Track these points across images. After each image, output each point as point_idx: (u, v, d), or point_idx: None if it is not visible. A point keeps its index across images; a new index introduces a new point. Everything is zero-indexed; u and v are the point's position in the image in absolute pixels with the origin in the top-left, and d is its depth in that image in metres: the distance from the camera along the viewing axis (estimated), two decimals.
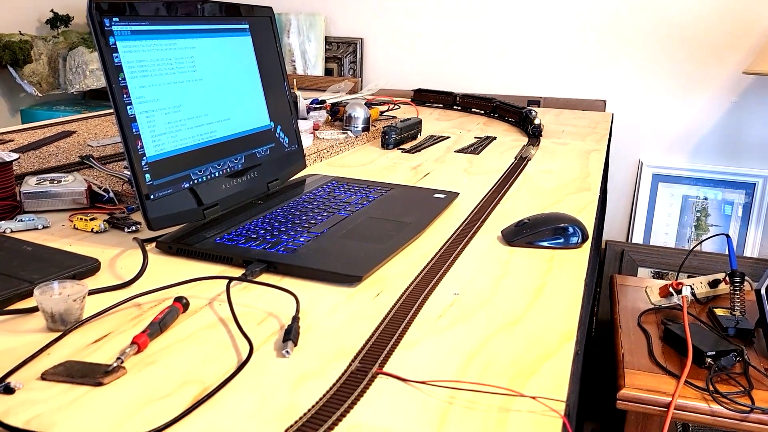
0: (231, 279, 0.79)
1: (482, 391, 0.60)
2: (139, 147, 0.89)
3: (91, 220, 0.97)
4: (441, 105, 2.22)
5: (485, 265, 0.89)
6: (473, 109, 2.15)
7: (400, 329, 0.71)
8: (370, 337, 0.69)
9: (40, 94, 2.52)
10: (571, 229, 0.96)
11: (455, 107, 2.19)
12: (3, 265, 0.78)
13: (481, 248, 0.95)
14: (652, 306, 1.60)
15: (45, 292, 0.68)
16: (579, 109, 2.35)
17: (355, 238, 0.94)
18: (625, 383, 1.36)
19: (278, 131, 1.18)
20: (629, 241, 2.49)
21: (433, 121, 1.98)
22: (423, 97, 2.26)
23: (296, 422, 0.55)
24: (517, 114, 1.89)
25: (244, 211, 1.02)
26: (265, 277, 0.82)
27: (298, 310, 0.72)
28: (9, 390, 0.57)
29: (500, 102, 2.04)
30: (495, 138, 1.75)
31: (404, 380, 0.61)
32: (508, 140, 1.73)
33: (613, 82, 2.44)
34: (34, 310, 0.70)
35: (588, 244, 0.97)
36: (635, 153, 2.46)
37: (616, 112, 2.44)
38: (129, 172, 1.19)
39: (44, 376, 0.59)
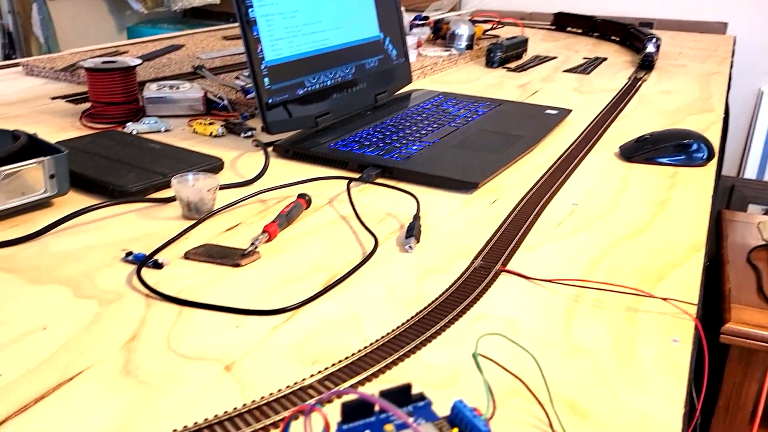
0: (351, 179, 0.80)
1: (610, 290, 0.59)
2: (258, 51, 0.90)
3: (210, 124, 1.01)
4: (581, 30, 2.07)
5: (603, 178, 0.87)
6: (595, 34, 1.99)
7: (520, 233, 0.71)
8: (490, 239, 0.69)
9: (145, 11, 2.59)
10: (695, 146, 0.92)
11: (593, 34, 2.04)
12: (137, 160, 0.82)
13: (597, 163, 0.93)
14: (764, 242, 1.52)
15: (181, 183, 0.72)
16: (696, 32, 2.20)
17: (467, 148, 0.93)
18: (730, 317, 1.31)
19: (387, 43, 1.17)
20: (740, 176, 2.36)
21: (538, 41, 1.91)
22: (563, 21, 2.13)
23: (424, 309, 0.56)
24: (635, 37, 1.78)
25: (354, 121, 1.03)
26: (380, 182, 0.83)
27: (418, 209, 0.73)
28: (158, 265, 0.61)
29: (632, 28, 1.89)
30: (605, 59, 1.67)
31: (528, 278, 0.62)
32: (620, 61, 1.65)
33: (735, 3, 2.26)
34: (171, 200, 0.74)
35: (713, 162, 0.93)
36: (756, 82, 2.29)
37: (738, 36, 2.26)
38: (239, 82, 1.23)
39: (187, 256, 0.63)
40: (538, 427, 0.43)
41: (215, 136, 0.99)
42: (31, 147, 0.73)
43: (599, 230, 0.72)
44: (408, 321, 0.54)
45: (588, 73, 1.49)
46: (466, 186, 0.82)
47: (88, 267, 0.60)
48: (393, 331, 0.53)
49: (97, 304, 0.55)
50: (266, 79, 0.91)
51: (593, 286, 0.60)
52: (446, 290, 0.59)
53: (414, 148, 0.92)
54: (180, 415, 0.43)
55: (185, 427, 0.42)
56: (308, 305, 0.56)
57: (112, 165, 0.80)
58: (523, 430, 0.43)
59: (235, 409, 0.43)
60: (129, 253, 0.62)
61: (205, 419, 0.42)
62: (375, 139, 0.95)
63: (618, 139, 1.02)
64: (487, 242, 0.69)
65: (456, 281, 0.61)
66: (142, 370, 0.47)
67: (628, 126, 1.10)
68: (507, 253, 0.66)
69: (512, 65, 1.55)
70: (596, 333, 0.54)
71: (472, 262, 0.64)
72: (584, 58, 1.67)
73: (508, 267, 0.64)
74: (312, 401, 0.30)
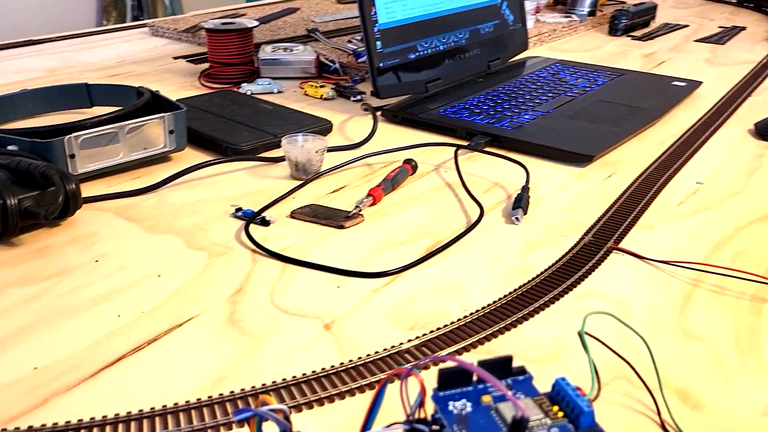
0: (459, 146, 0.79)
1: (734, 277, 0.55)
2: (372, 13, 0.89)
3: (321, 87, 1.01)
4: None
5: (733, 157, 0.80)
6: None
7: (636, 211, 0.67)
8: (603, 215, 0.66)
9: None
10: None
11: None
12: (250, 120, 0.85)
13: (728, 140, 0.86)
14: None
15: (291, 143, 0.73)
16: None
17: (584, 119, 0.88)
18: None
19: (504, 8, 1.13)
20: None
21: (667, 8, 1.79)
22: None
23: (529, 282, 0.54)
24: None
25: (465, 88, 1.01)
26: (489, 150, 0.81)
27: (528, 180, 0.71)
28: (265, 222, 0.62)
29: None
30: (744, 28, 1.53)
31: (642, 258, 0.58)
32: (761, 31, 1.51)
33: None
34: (280, 159, 0.75)
35: None
36: None
37: None
38: (352, 46, 1.23)
39: (293, 215, 0.64)
40: (644, 414, 0.40)
41: (325, 99, 1.00)
42: (153, 103, 0.76)
43: (725, 212, 0.67)
44: (511, 293, 0.53)
45: (723, 43, 1.38)
46: (581, 158, 0.78)
47: (201, 220, 0.63)
48: (495, 302, 0.51)
49: (207, 255, 0.57)
50: (378, 43, 0.91)
51: (715, 271, 0.56)
52: (552, 264, 0.57)
53: (526, 117, 0.89)
54: (280, 368, 0.44)
55: (284, 379, 0.42)
56: (409, 270, 0.56)
57: (227, 124, 0.83)
58: (627, 416, 0.40)
59: (332, 366, 0.43)
60: (238, 209, 0.64)
61: (303, 374, 0.43)
62: (486, 107, 0.92)
63: (753, 115, 0.94)
64: (600, 218, 0.65)
65: (563, 256, 0.58)
66: (246, 321, 0.48)
67: (766, 102, 1.01)
68: (621, 230, 0.63)
69: (638, 33, 1.45)
70: (716, 320, 0.50)
71: (582, 238, 0.61)
72: (720, 27, 1.54)
73: (621, 245, 0.60)
74: (409, 366, 0.30)
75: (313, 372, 0.43)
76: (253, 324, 0.48)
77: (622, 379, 0.43)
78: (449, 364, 0.30)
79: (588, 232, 0.62)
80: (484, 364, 0.31)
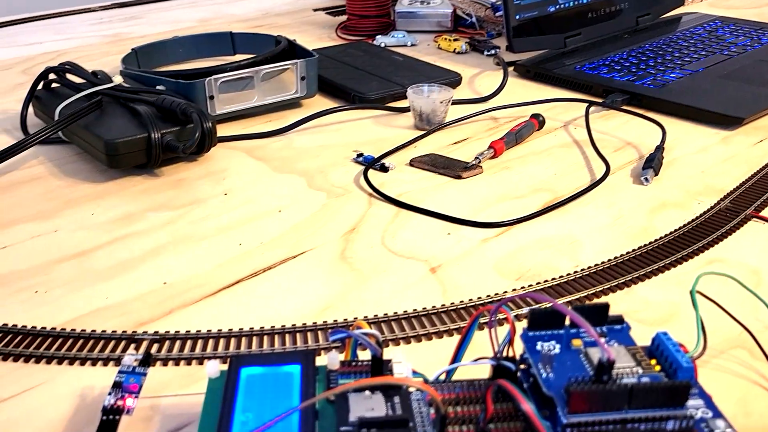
0: (591, 103, 0.75)
1: None
2: None
3: (455, 41, 1.00)
4: None
5: None
6: None
7: None
8: (746, 180, 0.60)
9: None
10: None
11: None
12: (380, 70, 0.85)
13: None
14: None
15: (416, 93, 0.73)
16: None
17: (738, 79, 0.81)
18: None
19: None
20: None
21: None
22: None
23: (651, 243, 0.51)
24: None
25: (607, 44, 0.95)
26: (625, 109, 0.76)
27: (663, 140, 0.66)
28: (384, 168, 0.63)
29: None
30: None
31: None
32: None
33: None
34: (405, 110, 0.76)
35: None
36: None
37: None
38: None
39: (412, 163, 0.65)
40: (761, 386, 0.37)
41: (458, 53, 0.99)
42: (289, 52, 0.79)
43: None
44: (630, 252, 0.50)
45: None
46: (729, 121, 0.72)
47: (323, 163, 0.65)
48: (610, 260, 0.49)
49: (326, 196, 0.59)
50: None
51: None
52: (681, 227, 0.53)
53: (672, 75, 0.82)
54: (383, 303, 0.45)
55: (385, 314, 0.43)
56: (524, 223, 0.54)
57: (357, 73, 0.84)
58: (742, 386, 0.38)
59: (433, 307, 0.44)
60: (359, 155, 0.65)
61: (404, 311, 0.44)
62: (627, 64, 0.87)
63: None
64: (742, 184, 0.60)
65: (694, 219, 0.54)
66: (356, 258, 0.50)
67: None
68: (763, 198, 0.57)
69: None
70: None
71: (718, 203, 0.57)
72: None
73: (762, 213, 0.55)
74: (499, 301, 0.29)
75: (414, 310, 0.44)
76: (362, 261, 0.50)
77: (742, 349, 0.40)
78: (544, 306, 0.29)
79: (726, 197, 0.58)
80: (579, 309, 0.30)
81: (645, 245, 0.51)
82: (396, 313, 0.43)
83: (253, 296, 0.46)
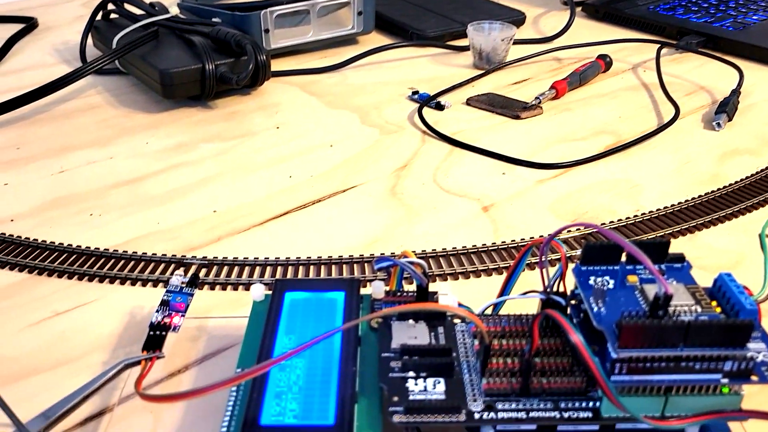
0: (663, 44, 0.71)
1: None
2: None
3: None
4: None
5: None
6: None
7: None
8: None
9: None
10: None
11: None
12: (440, 8, 0.83)
13: None
14: None
15: (477, 30, 0.70)
16: None
17: None
18: None
19: None
20: None
21: None
22: None
23: (719, 189, 0.48)
24: None
25: None
26: (701, 50, 0.72)
27: (740, 85, 0.62)
28: (440, 107, 0.62)
29: None
30: None
31: None
32: None
33: None
34: (465, 48, 0.73)
35: None
36: None
37: None
38: None
39: (469, 102, 0.63)
40: None
41: None
42: None
43: None
44: (695, 198, 0.47)
45: None
46: None
47: (377, 100, 0.63)
48: (673, 205, 0.47)
49: (378, 132, 0.58)
50: None
51: None
52: (753, 174, 0.50)
53: (755, 17, 0.77)
54: (432, 239, 0.44)
55: (433, 249, 0.43)
56: (583, 165, 0.52)
57: (416, 10, 0.82)
58: None
59: (483, 245, 0.43)
60: (415, 92, 0.64)
61: (453, 247, 0.42)
62: (706, 5, 0.81)
63: None
64: None
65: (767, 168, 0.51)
66: (407, 194, 0.49)
67: None
68: None
69: None
70: None
71: None
72: None
73: None
74: (550, 234, 0.28)
75: (463, 247, 0.42)
76: (412, 197, 0.48)
77: None
78: (599, 242, 0.28)
79: None
80: (637, 243, 0.28)
81: (712, 191, 0.48)
82: (444, 249, 0.42)
83: (301, 227, 0.45)
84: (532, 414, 0.26)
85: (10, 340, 0.36)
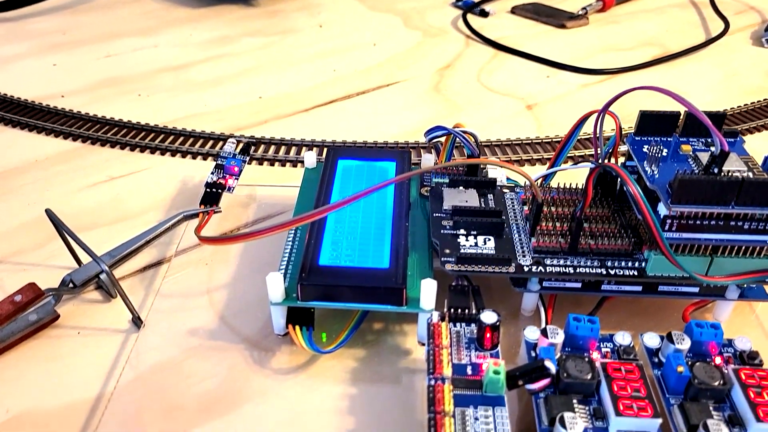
0: None
1: None
2: None
3: None
4: None
5: None
6: None
7: None
8: None
9: None
10: None
11: None
12: None
13: None
14: None
15: None
16: None
17: None
18: None
19: None
20: None
21: None
22: None
23: (765, 99, 0.48)
24: None
25: None
26: None
27: None
28: (484, 14, 0.61)
29: None
30: None
31: None
32: None
33: None
34: None
35: None
36: None
37: None
38: None
39: (514, 10, 0.62)
40: None
41: None
42: None
43: None
44: (741, 107, 0.47)
45: None
46: None
47: (420, 4, 0.63)
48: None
49: (421, 35, 0.58)
50: None
51: None
52: None
53: None
54: (478, 131, 0.44)
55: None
56: (629, 73, 0.52)
57: None
58: None
59: (527, 137, 0.43)
60: None
61: (497, 138, 0.43)
62: None
63: None
64: None
65: None
66: (451, 91, 0.49)
67: None
68: None
69: None
70: None
71: None
72: None
73: None
74: (607, 102, 0.28)
75: (507, 139, 0.43)
76: (456, 94, 0.49)
77: None
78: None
79: None
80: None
81: (758, 101, 0.48)
82: (489, 140, 0.43)
83: (346, 115, 0.46)
84: (579, 270, 0.27)
85: (69, 199, 0.37)
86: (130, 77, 0.50)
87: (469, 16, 0.60)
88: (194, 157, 0.41)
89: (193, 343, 0.28)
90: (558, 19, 0.60)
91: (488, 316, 0.24)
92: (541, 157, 0.41)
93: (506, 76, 0.51)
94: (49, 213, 0.30)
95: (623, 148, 0.30)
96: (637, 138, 0.29)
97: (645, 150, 0.28)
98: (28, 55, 0.53)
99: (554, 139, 0.43)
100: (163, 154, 0.41)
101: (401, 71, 0.52)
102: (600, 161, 0.30)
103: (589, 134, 0.43)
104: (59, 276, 0.30)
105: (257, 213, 0.36)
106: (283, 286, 0.26)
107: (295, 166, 0.40)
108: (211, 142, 0.42)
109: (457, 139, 0.32)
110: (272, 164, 0.40)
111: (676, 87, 0.50)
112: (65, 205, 0.36)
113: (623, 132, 0.29)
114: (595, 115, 0.29)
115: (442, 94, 0.49)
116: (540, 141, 0.43)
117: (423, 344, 0.27)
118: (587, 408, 0.22)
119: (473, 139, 0.32)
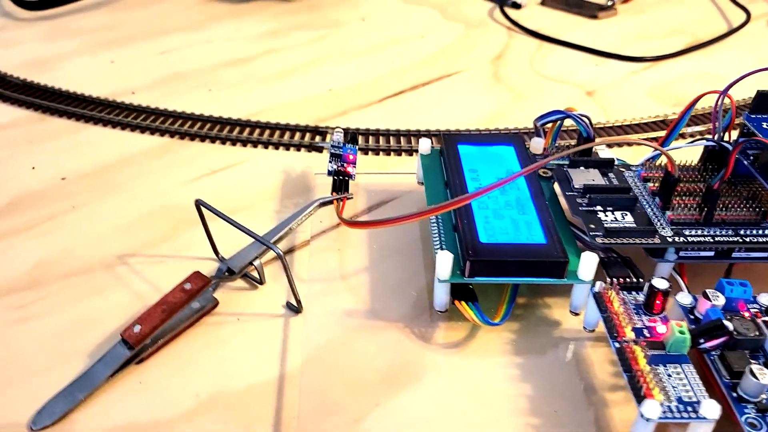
0: None
1: None
2: None
3: None
4: None
5: None
6: None
7: None
8: None
9: None
10: None
11: None
12: None
13: None
14: None
15: None
16: None
17: None
18: None
19: None
20: None
21: None
22: None
23: None
24: None
25: None
26: None
27: None
28: (516, 5, 0.63)
29: None
30: None
31: None
32: None
33: None
34: None
35: None
36: None
37: None
38: None
39: (544, 2, 0.64)
40: None
41: None
42: None
43: None
44: None
45: None
46: None
47: None
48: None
49: (464, 27, 0.59)
50: None
51: None
52: None
53: None
54: None
55: None
56: (669, 60, 0.55)
57: None
58: None
59: (598, 122, 0.45)
60: None
61: (571, 124, 0.45)
62: None
63: None
64: None
65: None
66: (510, 79, 0.51)
67: None
68: None
69: None
70: None
71: None
72: None
73: None
74: (729, 84, 0.30)
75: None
76: (516, 82, 0.51)
77: None
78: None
79: None
80: None
81: None
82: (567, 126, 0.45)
83: (419, 105, 0.47)
84: (717, 239, 0.29)
85: (175, 193, 0.37)
86: (193, 72, 0.50)
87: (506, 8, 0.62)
88: (287, 148, 0.42)
89: (353, 323, 0.29)
90: (588, 9, 0.62)
91: (660, 282, 0.26)
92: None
93: (558, 65, 0.53)
94: (200, 203, 0.30)
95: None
96: (753, 116, 0.31)
97: (765, 126, 0.30)
98: (81, 52, 0.53)
99: (624, 123, 0.45)
100: (255, 146, 0.42)
101: (457, 62, 0.53)
102: (716, 137, 0.32)
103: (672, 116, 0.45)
104: (196, 266, 0.31)
105: (369, 200, 0.37)
106: (452, 264, 0.28)
107: (388, 154, 0.41)
108: (298, 134, 0.43)
109: (571, 121, 0.34)
110: (366, 153, 0.42)
111: (718, 71, 0.53)
112: (174, 198, 0.37)
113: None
114: (706, 96, 0.31)
115: (503, 83, 0.50)
116: (611, 125, 0.45)
117: (575, 314, 0.29)
118: (757, 363, 0.24)
119: (588, 121, 0.34)
